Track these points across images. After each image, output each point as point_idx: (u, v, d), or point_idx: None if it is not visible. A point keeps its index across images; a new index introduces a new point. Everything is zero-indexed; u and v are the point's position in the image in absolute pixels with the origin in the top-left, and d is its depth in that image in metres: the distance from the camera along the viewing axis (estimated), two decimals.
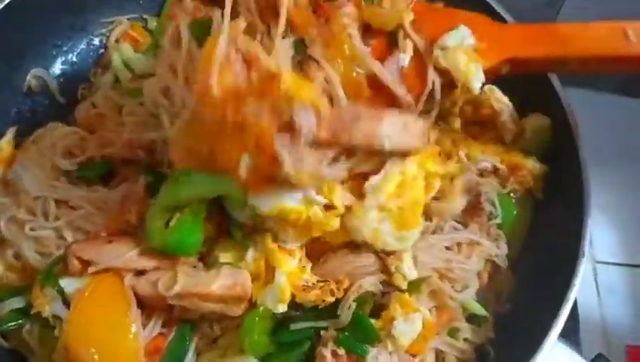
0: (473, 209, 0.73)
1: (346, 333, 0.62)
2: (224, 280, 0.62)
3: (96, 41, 0.82)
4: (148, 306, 0.62)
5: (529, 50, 0.69)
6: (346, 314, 0.62)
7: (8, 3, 0.71)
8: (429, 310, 0.64)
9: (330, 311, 0.63)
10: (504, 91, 0.81)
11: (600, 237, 1.13)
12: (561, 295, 0.60)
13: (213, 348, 0.65)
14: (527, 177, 0.78)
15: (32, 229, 0.66)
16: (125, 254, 0.62)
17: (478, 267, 0.69)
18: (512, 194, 0.77)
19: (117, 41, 0.81)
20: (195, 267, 0.64)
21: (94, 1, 0.79)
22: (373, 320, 0.63)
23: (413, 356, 0.63)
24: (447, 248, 0.68)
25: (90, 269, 0.61)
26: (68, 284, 0.62)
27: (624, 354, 0.99)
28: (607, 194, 1.15)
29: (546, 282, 0.64)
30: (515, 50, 0.68)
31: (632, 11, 1.18)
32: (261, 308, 0.62)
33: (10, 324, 0.63)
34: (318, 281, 0.64)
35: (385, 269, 0.65)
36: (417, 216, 0.65)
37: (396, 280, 0.64)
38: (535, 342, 0.57)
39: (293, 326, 0.63)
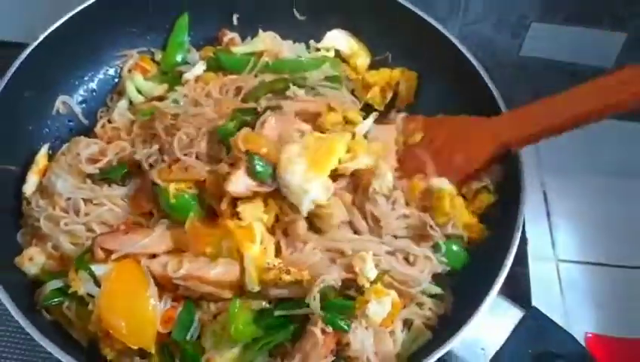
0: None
1: (329, 314, 0.69)
2: (219, 269, 0.73)
3: (112, 72, 0.95)
4: (160, 284, 0.73)
5: (517, 134, 0.81)
6: (314, 305, 0.69)
7: (39, 43, 0.84)
8: None
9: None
10: None
11: (562, 240, 1.22)
12: (500, 264, 0.72)
13: (214, 323, 0.74)
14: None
15: (65, 224, 0.76)
16: (138, 242, 0.74)
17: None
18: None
19: (129, 71, 0.93)
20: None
21: (110, 38, 0.93)
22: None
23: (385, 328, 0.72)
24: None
25: (113, 256, 0.73)
26: (97, 269, 0.73)
27: (584, 340, 1.06)
28: (568, 201, 1.26)
29: (490, 257, 0.75)
30: (504, 137, 0.80)
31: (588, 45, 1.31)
32: (237, 301, 0.71)
33: (52, 301, 0.73)
34: (278, 263, 0.72)
35: (348, 269, 0.73)
36: (327, 164, 0.74)
37: (360, 280, 0.72)
38: (479, 301, 0.68)
39: (278, 313, 0.71)
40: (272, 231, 0.77)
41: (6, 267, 0.73)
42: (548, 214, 1.26)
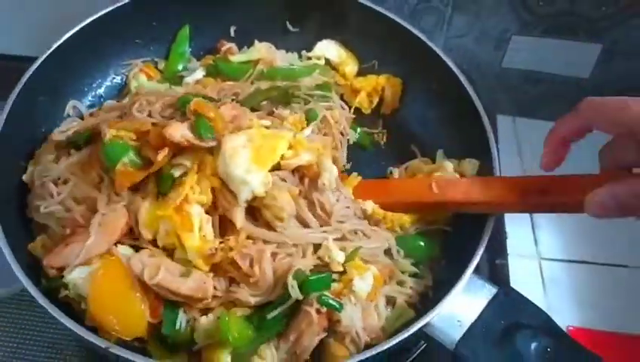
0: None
1: (322, 296, 0.72)
2: (191, 284, 0.73)
3: (118, 79, 1.02)
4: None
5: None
6: (294, 292, 0.72)
7: (52, 51, 0.90)
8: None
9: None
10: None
11: (545, 239, 1.27)
12: (474, 246, 0.78)
13: (206, 323, 0.75)
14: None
15: (45, 208, 0.77)
16: (79, 254, 0.73)
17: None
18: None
19: (134, 76, 0.99)
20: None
21: (116, 48, 1.00)
22: (335, 284, 0.76)
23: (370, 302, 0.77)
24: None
25: (65, 272, 0.73)
26: (80, 272, 0.73)
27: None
28: None
29: (465, 245, 0.81)
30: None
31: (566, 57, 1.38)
32: (226, 316, 0.72)
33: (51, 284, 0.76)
34: (219, 243, 0.74)
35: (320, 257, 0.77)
36: (269, 160, 0.76)
37: (333, 267, 0.77)
38: (456, 280, 0.74)
39: (270, 316, 0.73)
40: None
41: (23, 251, 0.78)
42: (531, 214, 1.32)
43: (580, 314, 1.18)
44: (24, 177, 0.84)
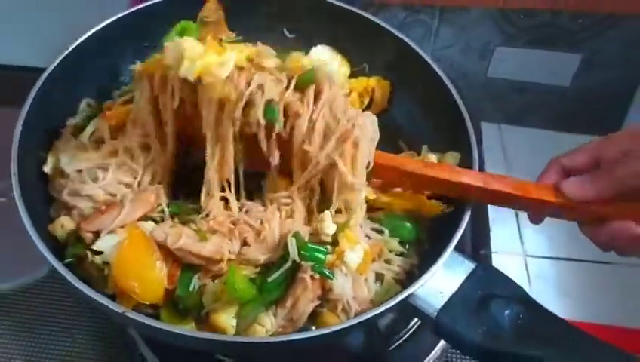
0: None
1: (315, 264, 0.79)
2: (210, 247, 0.82)
3: (128, 81, 1.08)
4: (161, 248, 0.82)
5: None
6: (292, 250, 0.78)
7: (66, 54, 0.97)
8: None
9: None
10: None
11: (531, 238, 1.35)
12: (454, 228, 0.84)
13: (213, 285, 0.83)
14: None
15: (86, 191, 0.85)
16: (114, 219, 0.83)
17: None
18: None
19: None
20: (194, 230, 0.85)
21: (124, 51, 1.06)
22: (329, 255, 0.81)
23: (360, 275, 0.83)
24: None
25: (102, 234, 0.82)
26: (110, 240, 0.82)
27: None
28: None
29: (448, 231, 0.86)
30: None
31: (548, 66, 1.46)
32: (233, 267, 0.80)
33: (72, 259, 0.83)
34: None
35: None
36: None
37: (323, 238, 0.83)
38: (437, 257, 0.80)
39: (271, 278, 0.81)
40: None
41: (44, 233, 0.83)
42: (516, 214, 1.38)
43: (565, 310, 1.23)
44: (45, 168, 0.91)
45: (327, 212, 0.83)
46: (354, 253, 0.82)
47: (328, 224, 0.82)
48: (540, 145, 1.46)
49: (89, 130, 0.94)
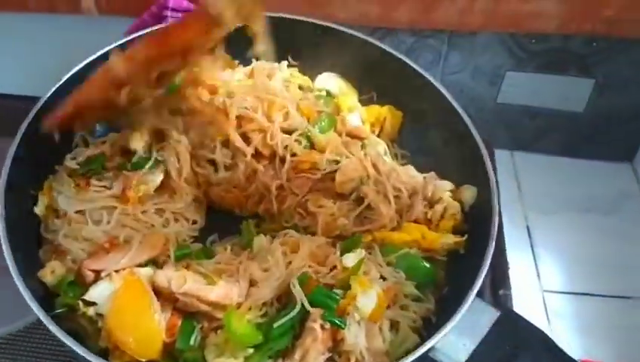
0: None
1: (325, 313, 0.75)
2: (219, 291, 0.78)
3: None
4: (161, 296, 0.78)
5: None
6: (298, 294, 0.76)
7: (58, 86, 0.93)
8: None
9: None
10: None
11: (548, 272, 1.28)
12: (476, 272, 0.78)
13: (215, 336, 0.78)
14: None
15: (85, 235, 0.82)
16: (120, 260, 0.80)
17: None
18: None
19: None
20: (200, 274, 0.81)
21: None
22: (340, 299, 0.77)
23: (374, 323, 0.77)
24: None
25: (103, 274, 0.78)
26: (104, 289, 0.77)
27: None
28: (552, 238, 1.33)
29: (467, 272, 0.82)
30: None
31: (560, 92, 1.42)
32: (233, 312, 0.76)
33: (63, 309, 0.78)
34: None
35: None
36: None
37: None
38: (459, 305, 0.75)
39: (277, 324, 0.76)
40: None
41: (32, 280, 0.79)
42: (532, 247, 1.33)
43: (586, 347, 1.17)
44: (37, 209, 0.86)
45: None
46: (367, 298, 0.77)
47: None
48: (553, 171, 1.43)
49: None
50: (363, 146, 0.98)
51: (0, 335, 0.99)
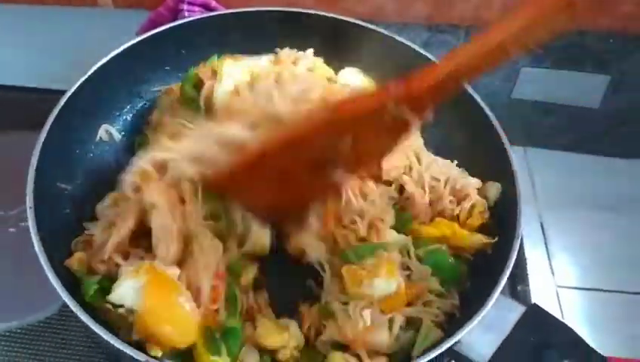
0: None
1: None
2: None
3: (148, 105, 1.04)
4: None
5: None
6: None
7: (86, 78, 0.93)
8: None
9: None
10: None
11: (562, 268, 1.29)
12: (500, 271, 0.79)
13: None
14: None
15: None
16: None
17: None
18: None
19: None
20: None
21: (146, 75, 1.03)
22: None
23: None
24: None
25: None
26: (134, 284, 0.75)
27: None
28: (565, 234, 1.33)
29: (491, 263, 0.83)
30: None
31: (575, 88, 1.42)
32: None
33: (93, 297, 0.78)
34: None
35: None
36: None
37: None
38: (484, 302, 0.75)
39: None
40: None
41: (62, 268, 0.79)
42: (546, 243, 1.33)
43: (600, 342, 1.17)
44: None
45: None
46: (385, 283, 0.76)
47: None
48: (567, 168, 1.43)
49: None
50: None
51: (21, 325, 0.99)
